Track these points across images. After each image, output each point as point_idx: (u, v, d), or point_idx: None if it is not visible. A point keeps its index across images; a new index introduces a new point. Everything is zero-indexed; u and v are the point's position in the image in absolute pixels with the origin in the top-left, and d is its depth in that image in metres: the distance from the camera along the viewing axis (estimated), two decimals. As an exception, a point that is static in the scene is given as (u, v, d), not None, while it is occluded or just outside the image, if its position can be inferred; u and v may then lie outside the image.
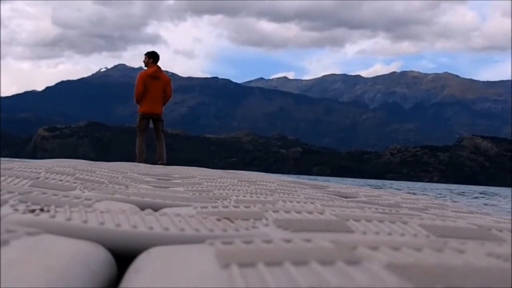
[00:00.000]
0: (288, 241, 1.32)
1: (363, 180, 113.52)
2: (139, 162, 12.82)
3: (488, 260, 1.22)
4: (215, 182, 3.10)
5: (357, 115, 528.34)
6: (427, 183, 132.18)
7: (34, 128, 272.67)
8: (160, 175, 3.64)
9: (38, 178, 2.42)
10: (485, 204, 24.69)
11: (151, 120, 13.14)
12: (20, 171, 2.75)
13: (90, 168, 3.39)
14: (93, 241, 1.37)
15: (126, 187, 2.50)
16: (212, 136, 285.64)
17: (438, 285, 0.91)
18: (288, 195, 2.60)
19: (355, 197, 3.30)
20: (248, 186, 2.90)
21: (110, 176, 3.00)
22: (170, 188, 2.71)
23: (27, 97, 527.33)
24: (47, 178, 2.49)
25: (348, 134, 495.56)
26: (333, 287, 0.89)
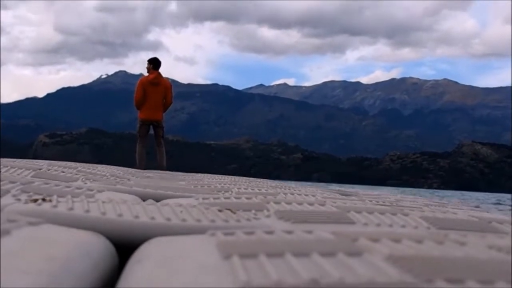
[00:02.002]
0: (289, 232, 1.33)
1: (363, 186, 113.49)
2: (138, 168, 12.81)
3: (489, 253, 1.23)
4: (217, 178, 3.11)
5: (357, 122, 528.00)
6: (427, 190, 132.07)
7: (34, 135, 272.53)
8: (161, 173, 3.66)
9: (40, 169, 2.43)
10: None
11: (151, 127, 13.14)
12: (23, 163, 2.76)
13: (92, 165, 3.41)
14: (95, 231, 1.37)
15: (128, 179, 2.51)
16: (212, 142, 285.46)
17: (439, 277, 0.92)
18: (290, 189, 2.61)
19: (355, 196, 3.32)
20: (249, 182, 2.91)
21: (112, 171, 3.01)
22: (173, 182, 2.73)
23: (28, 104, 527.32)
24: (49, 170, 2.50)
25: (348, 141, 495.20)
26: (335, 279, 0.90)
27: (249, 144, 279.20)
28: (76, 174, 2.42)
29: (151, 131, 13.20)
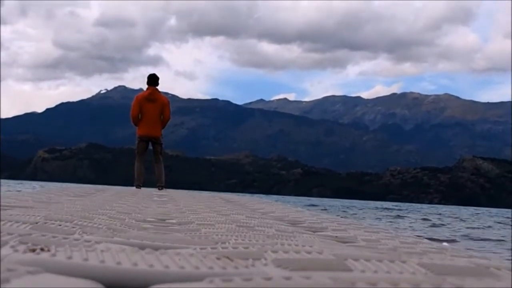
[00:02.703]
0: (287, 278, 1.34)
1: (364, 202, 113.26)
2: (137, 185, 12.81)
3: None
4: (214, 228, 3.11)
5: (357, 137, 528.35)
6: (428, 205, 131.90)
7: (34, 150, 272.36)
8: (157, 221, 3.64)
9: (37, 223, 2.44)
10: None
11: (150, 143, 13.14)
12: (19, 216, 2.77)
13: (88, 215, 3.40)
14: (94, 279, 1.38)
15: (125, 233, 2.52)
16: (212, 157, 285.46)
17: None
18: (287, 239, 2.61)
19: (353, 242, 3.33)
20: (246, 232, 2.92)
21: (109, 223, 3.02)
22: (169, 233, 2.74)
23: (27, 119, 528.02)
24: (46, 223, 2.50)
25: (348, 156, 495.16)
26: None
27: (249, 159, 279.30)
28: (73, 227, 2.42)
29: (151, 147, 13.24)
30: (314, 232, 4.07)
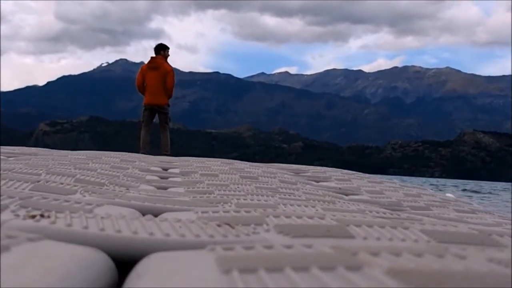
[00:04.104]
0: (289, 246, 1.33)
1: (365, 174, 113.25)
2: (142, 153, 12.84)
3: (489, 266, 1.22)
4: (216, 180, 3.09)
5: (359, 110, 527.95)
6: (429, 178, 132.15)
7: (35, 123, 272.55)
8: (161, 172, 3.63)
9: (38, 182, 2.42)
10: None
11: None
12: (21, 174, 2.75)
13: (90, 166, 3.38)
14: (94, 247, 1.37)
15: (127, 189, 2.50)
16: (213, 131, 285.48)
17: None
18: (290, 195, 2.59)
19: (356, 194, 3.30)
20: (249, 185, 2.90)
21: (111, 175, 3.00)
22: (171, 189, 2.71)
23: (29, 92, 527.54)
24: (47, 182, 2.48)
25: (350, 129, 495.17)
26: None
27: (250, 133, 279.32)
28: (75, 186, 2.40)
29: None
30: (318, 182, 4.06)
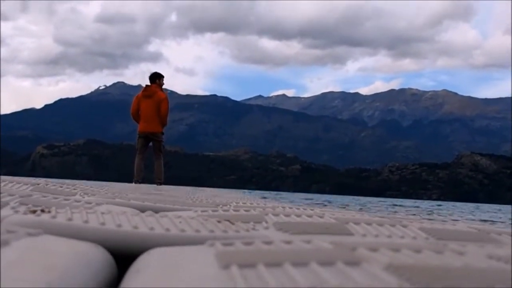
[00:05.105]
0: (288, 242, 1.33)
1: (363, 198, 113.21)
2: (135, 180, 12.86)
3: (488, 262, 1.22)
4: (215, 198, 3.13)
5: (356, 133, 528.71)
6: (427, 201, 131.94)
7: (32, 146, 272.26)
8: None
9: (38, 184, 2.44)
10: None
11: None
12: (21, 178, 2.77)
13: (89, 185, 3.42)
14: (94, 241, 1.37)
15: (126, 194, 2.52)
16: (211, 153, 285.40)
17: (438, 286, 0.91)
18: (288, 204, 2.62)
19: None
20: (247, 199, 2.92)
21: (110, 191, 3.03)
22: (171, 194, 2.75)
23: (26, 115, 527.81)
24: (47, 185, 2.50)
25: (347, 152, 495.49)
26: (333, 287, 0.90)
27: (247, 155, 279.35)
28: (74, 189, 2.42)
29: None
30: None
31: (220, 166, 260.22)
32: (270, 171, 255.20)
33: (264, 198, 13.99)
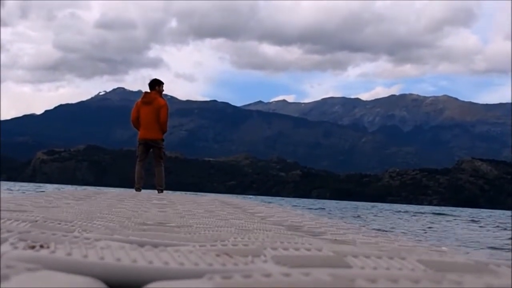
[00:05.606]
0: (287, 275, 1.34)
1: (363, 203, 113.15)
2: (136, 187, 12.89)
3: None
4: (213, 231, 3.12)
5: (356, 138, 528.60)
6: (427, 206, 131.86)
7: (33, 152, 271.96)
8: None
9: (36, 221, 2.44)
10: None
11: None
12: (18, 215, 2.77)
13: (87, 217, 3.42)
14: (93, 276, 1.38)
15: (126, 229, 2.52)
16: (211, 159, 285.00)
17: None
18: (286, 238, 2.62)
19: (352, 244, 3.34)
20: (245, 234, 2.93)
21: (108, 225, 3.03)
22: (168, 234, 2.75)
23: (26, 121, 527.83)
24: (45, 221, 2.51)
25: (347, 157, 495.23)
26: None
27: (248, 161, 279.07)
28: (72, 226, 2.42)
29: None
30: (313, 236, 4.10)
31: (220, 171, 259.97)
32: (271, 177, 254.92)
33: (270, 203, 13.95)
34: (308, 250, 1.79)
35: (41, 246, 1.57)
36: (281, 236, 2.95)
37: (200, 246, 1.85)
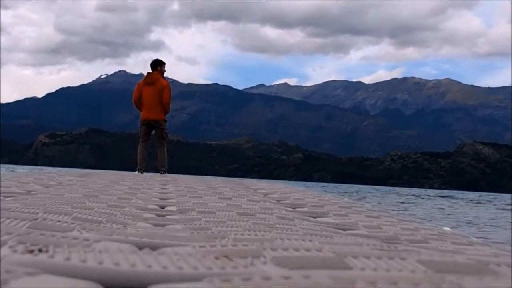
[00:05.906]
0: (286, 277, 1.33)
1: (365, 186, 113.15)
2: (139, 169, 12.89)
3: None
4: (214, 217, 3.10)
5: (358, 122, 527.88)
6: (429, 189, 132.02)
7: (34, 135, 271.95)
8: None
9: (36, 220, 2.43)
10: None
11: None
12: (18, 212, 2.76)
13: (87, 204, 3.40)
14: (92, 280, 1.37)
15: (124, 226, 2.51)
16: (213, 142, 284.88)
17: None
18: (287, 231, 2.60)
19: (354, 229, 3.32)
20: (246, 221, 2.91)
21: (108, 213, 3.01)
22: (168, 227, 2.73)
23: (28, 104, 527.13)
24: (45, 220, 2.50)
25: (349, 141, 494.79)
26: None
27: (249, 144, 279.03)
28: (72, 224, 2.41)
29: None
30: (315, 218, 4.09)
31: (222, 155, 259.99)
32: (272, 160, 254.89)
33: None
34: (308, 250, 1.78)
35: (40, 250, 1.56)
36: (281, 226, 2.94)
37: (199, 247, 1.84)
